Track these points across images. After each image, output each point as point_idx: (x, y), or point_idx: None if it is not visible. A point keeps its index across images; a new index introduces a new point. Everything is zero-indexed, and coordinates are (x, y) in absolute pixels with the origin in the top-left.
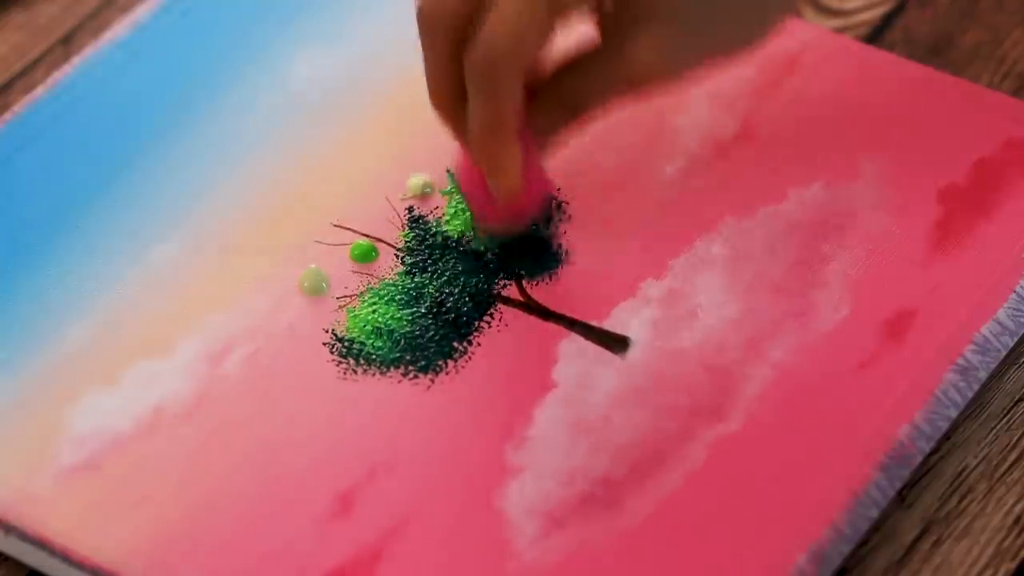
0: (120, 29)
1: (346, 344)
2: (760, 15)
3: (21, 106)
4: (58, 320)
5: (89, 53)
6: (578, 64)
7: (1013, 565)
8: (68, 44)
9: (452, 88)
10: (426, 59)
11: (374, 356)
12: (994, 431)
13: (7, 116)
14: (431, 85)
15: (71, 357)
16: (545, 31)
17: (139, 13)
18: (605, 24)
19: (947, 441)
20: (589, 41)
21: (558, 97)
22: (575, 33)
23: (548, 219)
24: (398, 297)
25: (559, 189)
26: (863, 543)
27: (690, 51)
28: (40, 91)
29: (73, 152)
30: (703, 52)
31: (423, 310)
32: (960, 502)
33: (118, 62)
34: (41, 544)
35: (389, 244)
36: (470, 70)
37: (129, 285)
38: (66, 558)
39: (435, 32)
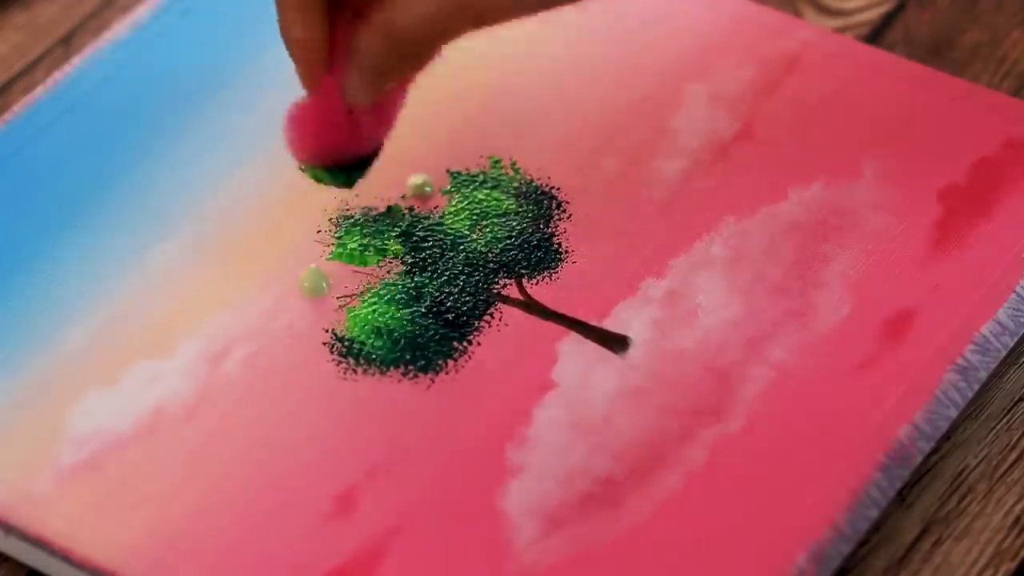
0: (120, 29)
1: (346, 344)
2: None
3: (21, 106)
4: (58, 320)
5: (89, 53)
6: None
7: (1013, 565)
8: (68, 44)
9: None
10: None
11: (374, 356)
12: (994, 431)
13: (7, 116)
14: None
15: (71, 357)
16: None
17: (139, 13)
18: None
19: (947, 441)
20: None
21: (377, 23)
22: None
23: (371, 159)
24: (398, 297)
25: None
26: (863, 543)
27: None
28: (40, 91)
29: (73, 152)
30: None
31: (423, 310)
32: (960, 502)
33: (118, 62)
34: (41, 544)
35: None
36: None
37: (129, 285)
38: (66, 558)
39: None
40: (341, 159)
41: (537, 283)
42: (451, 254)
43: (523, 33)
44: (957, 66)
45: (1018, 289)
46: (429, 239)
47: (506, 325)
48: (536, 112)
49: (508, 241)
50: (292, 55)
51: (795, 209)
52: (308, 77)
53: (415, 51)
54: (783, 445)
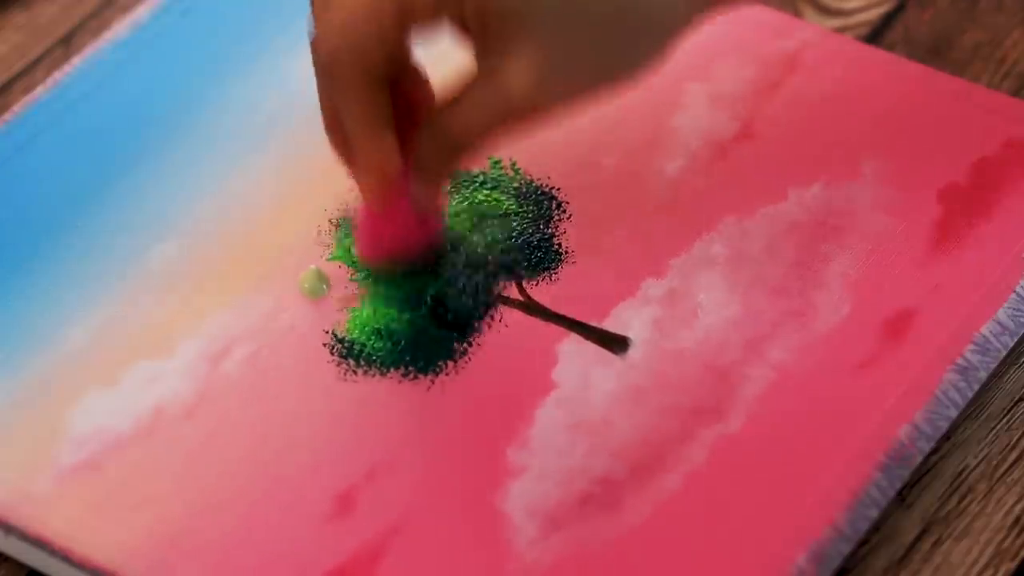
0: (120, 29)
1: (346, 345)
2: (636, 42)
3: (21, 106)
4: (58, 320)
5: (89, 53)
6: (457, 93)
7: (1013, 565)
8: (68, 44)
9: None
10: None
11: (374, 357)
12: (994, 431)
13: (7, 116)
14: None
15: (71, 357)
16: (389, 32)
17: (139, 13)
18: (477, 45)
19: (947, 441)
20: (468, 68)
21: (435, 129)
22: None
23: (435, 263)
24: (398, 298)
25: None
26: (863, 543)
27: (567, 75)
28: (40, 91)
29: (73, 152)
30: (580, 77)
31: (423, 310)
32: (960, 502)
33: (118, 62)
34: (41, 544)
35: None
36: (315, 72)
37: (129, 285)
38: (66, 558)
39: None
40: (414, 256)
41: (537, 284)
42: (451, 255)
43: None
44: (957, 66)
45: (1018, 289)
46: None
47: (506, 326)
48: None
49: (508, 242)
50: (365, 179)
51: (795, 209)
52: (382, 199)
53: (475, 152)
54: (783, 445)
